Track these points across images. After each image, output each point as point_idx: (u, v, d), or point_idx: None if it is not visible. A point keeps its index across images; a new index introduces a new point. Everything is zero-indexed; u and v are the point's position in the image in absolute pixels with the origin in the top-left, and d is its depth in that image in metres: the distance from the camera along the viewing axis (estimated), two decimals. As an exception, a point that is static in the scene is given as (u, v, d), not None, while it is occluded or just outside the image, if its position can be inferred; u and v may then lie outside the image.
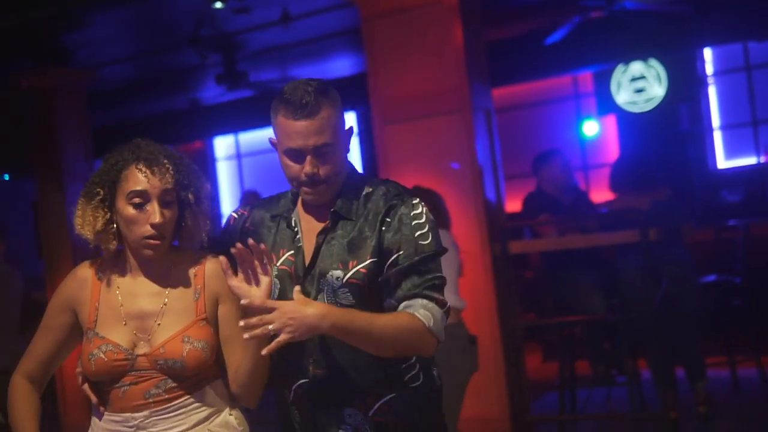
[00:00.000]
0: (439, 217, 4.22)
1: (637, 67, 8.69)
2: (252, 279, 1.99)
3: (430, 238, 2.10)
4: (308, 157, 2.07)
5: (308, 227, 2.16)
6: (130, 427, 2.08)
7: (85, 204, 2.10)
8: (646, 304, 4.98)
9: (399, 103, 5.70)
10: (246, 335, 1.92)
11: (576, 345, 5.72)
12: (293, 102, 2.04)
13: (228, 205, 11.41)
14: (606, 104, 9.02)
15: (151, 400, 2.07)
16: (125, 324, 2.10)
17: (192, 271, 2.14)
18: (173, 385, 2.07)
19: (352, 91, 8.66)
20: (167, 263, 2.13)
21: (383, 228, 2.09)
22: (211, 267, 2.13)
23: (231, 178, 11.85)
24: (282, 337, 1.90)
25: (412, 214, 2.11)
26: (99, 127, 7.94)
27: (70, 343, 2.19)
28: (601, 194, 7.54)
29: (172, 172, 2.08)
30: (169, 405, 2.07)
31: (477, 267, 5.42)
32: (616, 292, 5.45)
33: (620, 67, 8.76)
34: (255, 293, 1.97)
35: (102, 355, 2.06)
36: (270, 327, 1.89)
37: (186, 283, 2.12)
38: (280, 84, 8.73)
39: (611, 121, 9.34)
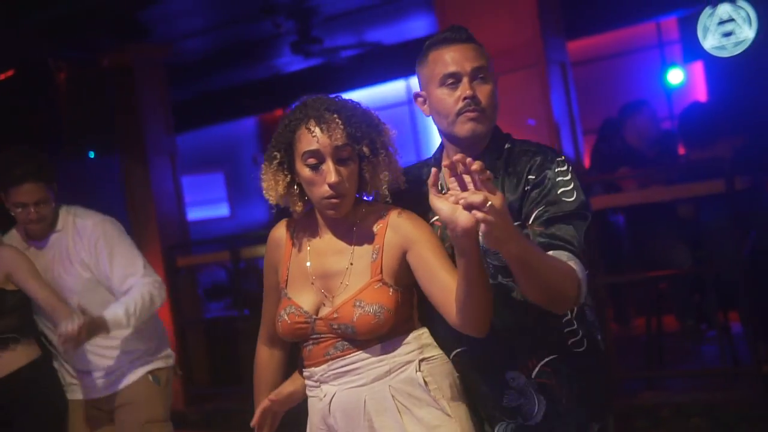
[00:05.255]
0: None
1: (724, 9, 8.31)
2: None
3: (574, 197, 1.98)
4: (465, 79, 2.03)
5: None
6: (315, 381, 2.09)
7: (267, 168, 2.07)
8: (734, 255, 4.81)
9: (472, 60, 5.60)
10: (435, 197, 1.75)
11: (661, 299, 5.59)
12: (447, 33, 2.09)
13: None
14: (692, 51, 8.68)
15: (329, 357, 2.05)
16: (312, 283, 2.07)
17: (374, 228, 2.04)
18: (349, 346, 2.02)
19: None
20: (354, 219, 2.06)
21: (527, 188, 2.00)
22: (393, 221, 2.03)
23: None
24: (480, 218, 1.65)
25: (557, 170, 2.01)
26: (180, 101, 8.07)
27: None
28: (688, 144, 7.31)
29: (342, 126, 1.98)
30: (344, 359, 2.03)
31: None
32: (703, 245, 5.28)
33: (707, 10, 8.38)
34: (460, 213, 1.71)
35: (286, 317, 2.06)
36: (474, 199, 1.65)
37: (368, 242, 2.03)
38: (355, 49, 8.72)
39: (698, 68, 9.01)
